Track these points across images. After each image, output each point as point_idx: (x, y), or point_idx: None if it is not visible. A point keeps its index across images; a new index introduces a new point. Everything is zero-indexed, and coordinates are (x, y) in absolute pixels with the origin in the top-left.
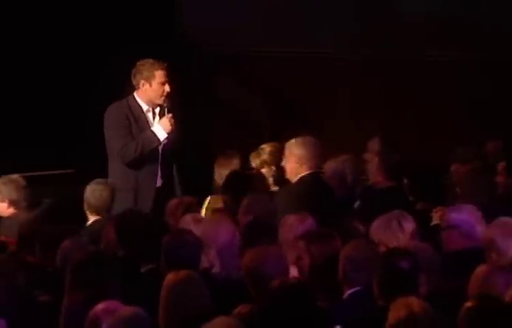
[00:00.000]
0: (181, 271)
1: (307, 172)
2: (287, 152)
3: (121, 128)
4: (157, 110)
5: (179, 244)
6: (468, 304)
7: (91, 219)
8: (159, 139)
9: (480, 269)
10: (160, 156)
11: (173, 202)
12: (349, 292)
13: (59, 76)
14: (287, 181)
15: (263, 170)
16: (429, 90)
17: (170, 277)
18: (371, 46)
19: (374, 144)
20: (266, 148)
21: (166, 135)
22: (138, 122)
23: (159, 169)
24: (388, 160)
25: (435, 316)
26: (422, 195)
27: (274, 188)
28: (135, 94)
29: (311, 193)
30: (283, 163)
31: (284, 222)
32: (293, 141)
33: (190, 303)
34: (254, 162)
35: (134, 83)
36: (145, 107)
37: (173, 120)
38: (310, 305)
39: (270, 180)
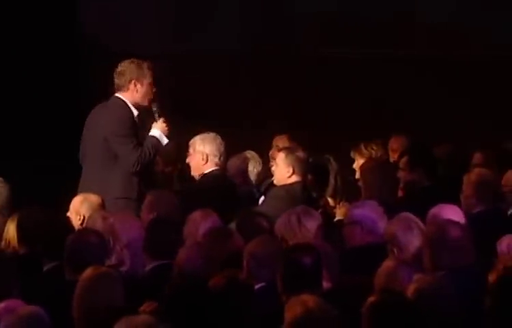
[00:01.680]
0: (99, 267)
1: (211, 169)
2: (191, 149)
3: (133, 136)
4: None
5: (82, 245)
6: (371, 299)
7: None
8: (162, 144)
9: (386, 264)
10: None
11: (78, 199)
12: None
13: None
14: (192, 178)
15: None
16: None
17: (88, 272)
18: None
19: (280, 140)
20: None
21: (167, 140)
22: (136, 128)
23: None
24: (294, 156)
25: (333, 312)
26: (325, 191)
27: (178, 185)
28: (121, 96)
29: (215, 189)
30: (187, 160)
31: (188, 218)
32: (197, 137)
33: (104, 299)
34: (161, 161)
35: (121, 83)
36: (135, 112)
37: (166, 124)
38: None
39: (175, 176)
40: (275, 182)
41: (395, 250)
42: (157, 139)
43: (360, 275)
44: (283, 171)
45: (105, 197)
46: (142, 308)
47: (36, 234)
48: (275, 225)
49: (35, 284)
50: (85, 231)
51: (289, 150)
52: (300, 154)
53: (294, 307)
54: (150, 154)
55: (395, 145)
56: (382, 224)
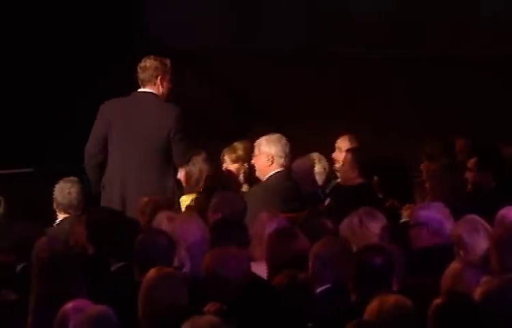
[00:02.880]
0: (163, 268)
1: (276, 170)
2: (256, 150)
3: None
4: None
5: (151, 245)
6: (437, 301)
7: (60, 217)
8: None
9: (452, 266)
10: None
11: (143, 200)
12: (319, 289)
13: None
14: (257, 179)
15: (235, 166)
16: (384, 88)
17: (152, 273)
18: (331, 44)
19: (343, 142)
20: (240, 145)
21: None
22: None
23: None
24: (358, 158)
25: (411, 311)
26: (392, 193)
27: (245, 186)
28: (150, 90)
29: (281, 191)
30: (253, 161)
31: (255, 219)
32: (262, 139)
33: (168, 300)
34: (229, 158)
35: (146, 77)
36: None
37: None
38: (280, 303)
39: (241, 177)
40: (341, 182)
41: (461, 252)
42: None
43: (426, 276)
44: (348, 172)
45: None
46: (206, 308)
47: (104, 234)
48: (340, 226)
49: (102, 284)
50: (154, 232)
51: (354, 151)
52: (365, 154)
53: (373, 306)
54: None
55: (460, 147)
56: (449, 225)
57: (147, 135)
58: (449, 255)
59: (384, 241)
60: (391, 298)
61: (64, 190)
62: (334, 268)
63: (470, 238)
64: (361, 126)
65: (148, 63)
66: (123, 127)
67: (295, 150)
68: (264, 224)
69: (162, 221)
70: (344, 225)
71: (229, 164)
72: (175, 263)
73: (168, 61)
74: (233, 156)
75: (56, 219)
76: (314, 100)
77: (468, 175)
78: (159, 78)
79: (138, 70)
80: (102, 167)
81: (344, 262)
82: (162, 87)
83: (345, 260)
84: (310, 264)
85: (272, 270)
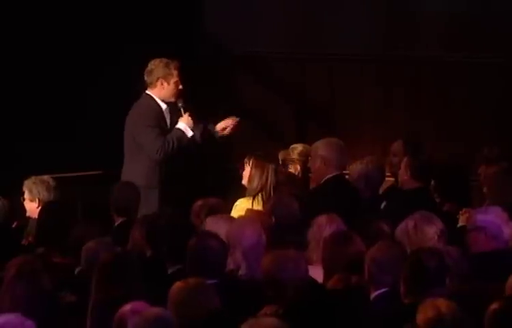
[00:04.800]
0: (190, 279)
1: (333, 174)
2: (312, 153)
3: (155, 126)
4: (181, 108)
5: (204, 248)
6: (494, 306)
7: (118, 220)
8: (187, 136)
9: None
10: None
11: (198, 203)
12: (375, 293)
13: (81, 76)
14: (313, 182)
15: (290, 168)
16: (448, 91)
17: (177, 285)
18: (394, 47)
19: (399, 146)
20: (297, 147)
21: (192, 133)
22: (164, 121)
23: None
24: (414, 162)
25: (463, 316)
26: (449, 196)
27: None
28: (151, 93)
29: (337, 194)
30: (309, 164)
31: (313, 222)
32: (319, 142)
33: (196, 311)
34: (282, 159)
35: (149, 80)
36: (163, 106)
37: (191, 118)
38: (337, 305)
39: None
40: (399, 186)
41: None
42: (182, 131)
43: (484, 281)
44: (406, 175)
45: None
46: (262, 312)
47: (162, 237)
48: (396, 230)
49: (160, 287)
50: (206, 235)
51: (411, 155)
52: (422, 158)
53: (426, 310)
54: (174, 143)
55: None
56: (507, 230)
57: (125, 134)
58: (507, 259)
59: (440, 245)
60: (442, 304)
61: (122, 194)
62: (390, 272)
63: None
64: (423, 128)
65: (151, 66)
66: None
67: (352, 154)
68: (322, 227)
69: (216, 222)
70: (399, 229)
71: (284, 166)
72: (231, 265)
73: (172, 64)
74: (287, 158)
75: (114, 222)
76: (372, 104)
77: None
78: (160, 80)
79: (144, 73)
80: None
81: (400, 267)
82: (164, 89)
83: (400, 265)
84: (366, 268)
85: (328, 274)
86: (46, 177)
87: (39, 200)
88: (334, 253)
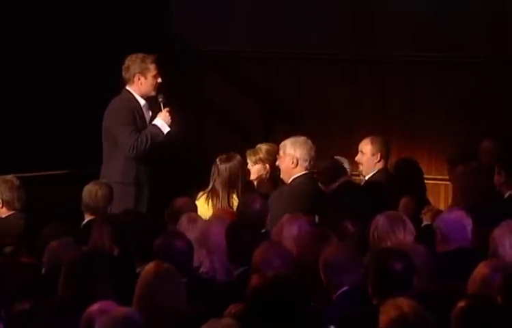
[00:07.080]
0: (159, 263)
1: (301, 173)
2: (281, 152)
3: (130, 123)
4: (161, 103)
5: (170, 248)
6: (461, 304)
7: (87, 218)
8: (163, 133)
9: (479, 269)
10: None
11: (172, 203)
12: (337, 293)
13: (50, 74)
14: (281, 181)
15: (257, 168)
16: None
17: (148, 268)
18: (360, 46)
19: (366, 145)
20: (263, 147)
21: (168, 129)
22: (141, 117)
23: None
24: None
25: (426, 315)
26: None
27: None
28: (129, 88)
29: (305, 193)
30: (277, 163)
31: (279, 222)
32: (287, 141)
33: (166, 295)
34: (250, 160)
35: (127, 77)
36: (142, 102)
37: (169, 114)
38: (304, 303)
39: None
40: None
41: (493, 256)
42: (158, 127)
43: (448, 280)
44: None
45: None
46: (228, 310)
47: (129, 236)
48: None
49: (128, 286)
50: (172, 235)
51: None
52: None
53: (388, 311)
54: (147, 140)
55: (486, 149)
56: (469, 229)
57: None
58: (471, 258)
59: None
60: (403, 303)
61: (91, 192)
62: (346, 272)
63: (503, 242)
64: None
65: (128, 63)
66: None
67: (320, 154)
68: (283, 226)
69: (184, 223)
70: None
71: (251, 165)
72: (196, 263)
73: (149, 59)
74: (253, 158)
75: (83, 220)
76: (339, 103)
77: (496, 178)
78: (136, 75)
79: (122, 69)
80: None
81: (357, 265)
82: (141, 84)
83: (358, 263)
84: (321, 273)
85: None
86: (9, 176)
87: (2, 200)
88: (310, 252)
